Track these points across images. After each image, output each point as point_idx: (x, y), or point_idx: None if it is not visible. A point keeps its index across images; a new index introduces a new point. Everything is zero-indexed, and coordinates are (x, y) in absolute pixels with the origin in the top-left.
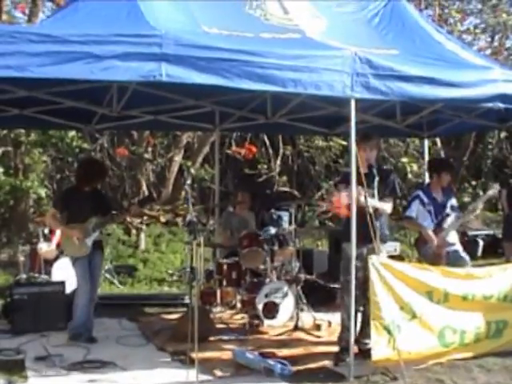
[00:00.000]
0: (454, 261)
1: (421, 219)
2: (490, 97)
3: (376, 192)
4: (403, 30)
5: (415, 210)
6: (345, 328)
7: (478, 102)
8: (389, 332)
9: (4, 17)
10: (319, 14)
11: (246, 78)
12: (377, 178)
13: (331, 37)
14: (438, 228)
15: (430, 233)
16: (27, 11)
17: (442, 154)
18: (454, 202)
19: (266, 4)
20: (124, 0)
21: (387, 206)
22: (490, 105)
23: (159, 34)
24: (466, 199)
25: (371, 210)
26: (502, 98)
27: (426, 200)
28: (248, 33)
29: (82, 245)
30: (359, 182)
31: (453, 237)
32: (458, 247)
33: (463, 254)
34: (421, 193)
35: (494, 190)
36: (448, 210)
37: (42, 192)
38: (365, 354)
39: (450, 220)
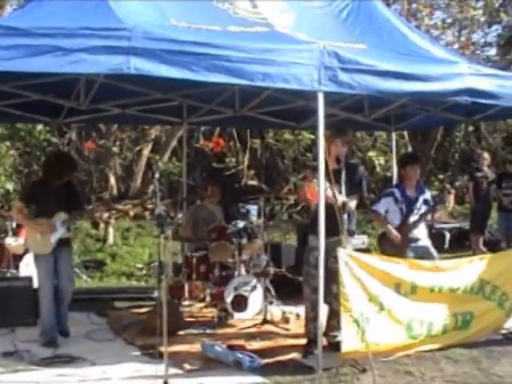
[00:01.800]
0: (421, 256)
1: (392, 216)
2: (456, 91)
3: (343, 187)
4: (371, 25)
5: (384, 206)
6: (309, 319)
7: (445, 96)
8: (358, 324)
9: None
10: (287, 7)
11: (214, 72)
12: (344, 172)
13: (299, 30)
14: (403, 225)
15: (394, 231)
16: None
17: (410, 148)
18: (427, 195)
19: None
20: None
21: (351, 203)
22: (456, 99)
23: (128, 27)
24: (434, 192)
25: (340, 204)
26: (469, 92)
27: (399, 198)
28: (216, 26)
29: (46, 242)
30: (327, 177)
31: (420, 232)
32: (427, 242)
33: (432, 250)
34: (395, 190)
35: (462, 181)
36: (418, 205)
37: (10, 186)
38: (333, 346)
39: (414, 216)
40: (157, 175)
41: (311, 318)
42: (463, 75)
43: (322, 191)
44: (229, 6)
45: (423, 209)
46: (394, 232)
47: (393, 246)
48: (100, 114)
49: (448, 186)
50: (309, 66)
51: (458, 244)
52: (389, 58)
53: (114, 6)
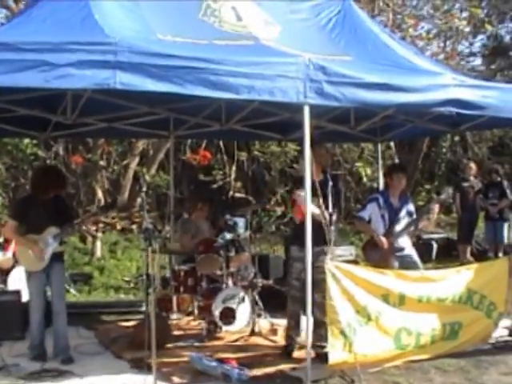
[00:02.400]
0: (406, 265)
1: (375, 224)
2: (441, 102)
3: (330, 197)
4: (356, 36)
5: (369, 212)
6: (290, 327)
7: (430, 107)
8: (345, 335)
9: None
10: (273, 20)
11: (199, 85)
12: (330, 183)
13: (285, 43)
14: (388, 233)
15: (381, 236)
16: None
17: (396, 159)
18: (410, 207)
19: (219, 11)
20: (78, 8)
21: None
22: (441, 110)
23: (113, 41)
24: (420, 203)
25: (327, 215)
26: (454, 102)
27: (382, 204)
28: (202, 40)
29: (38, 259)
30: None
31: (404, 241)
32: (411, 251)
33: (416, 259)
34: (379, 196)
35: (447, 193)
36: (402, 215)
37: None
38: (321, 357)
39: (399, 225)
40: (144, 188)
41: (292, 326)
42: (448, 86)
43: (308, 203)
44: (214, 20)
45: (406, 219)
46: (381, 237)
47: (377, 254)
48: (87, 128)
49: (435, 197)
50: (294, 78)
51: (446, 254)
52: (374, 69)
53: (100, 20)
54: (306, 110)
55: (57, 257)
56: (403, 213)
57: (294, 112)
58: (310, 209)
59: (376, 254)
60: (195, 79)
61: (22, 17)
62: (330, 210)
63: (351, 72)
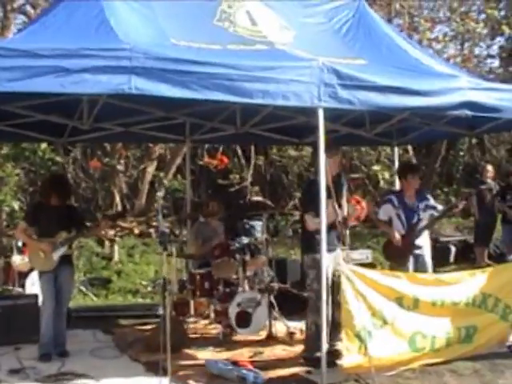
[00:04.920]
0: (418, 265)
1: (393, 222)
2: (456, 105)
3: (345, 199)
4: (370, 40)
5: (384, 213)
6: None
7: (445, 110)
8: (360, 339)
9: None
10: (287, 24)
11: (214, 90)
12: (345, 186)
13: (299, 47)
14: (407, 232)
15: (395, 233)
16: None
17: (414, 162)
18: (430, 202)
19: (234, 16)
20: (93, 15)
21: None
22: (456, 113)
23: (128, 47)
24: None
25: (340, 219)
26: (469, 105)
27: (396, 204)
28: (216, 45)
29: (48, 259)
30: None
31: (423, 240)
32: (426, 252)
33: (427, 260)
34: (392, 197)
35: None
36: (421, 213)
37: (15, 205)
38: (333, 355)
39: (420, 223)
40: (159, 193)
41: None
42: (462, 89)
43: (323, 206)
44: (229, 24)
45: (428, 214)
46: (396, 234)
47: (396, 251)
48: (103, 133)
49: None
50: (308, 83)
51: (464, 257)
52: (388, 72)
53: (115, 26)
54: (320, 114)
55: (65, 259)
56: (422, 210)
57: (309, 116)
58: (324, 214)
59: (394, 251)
60: (210, 84)
61: (38, 24)
62: (345, 212)
63: (365, 75)
